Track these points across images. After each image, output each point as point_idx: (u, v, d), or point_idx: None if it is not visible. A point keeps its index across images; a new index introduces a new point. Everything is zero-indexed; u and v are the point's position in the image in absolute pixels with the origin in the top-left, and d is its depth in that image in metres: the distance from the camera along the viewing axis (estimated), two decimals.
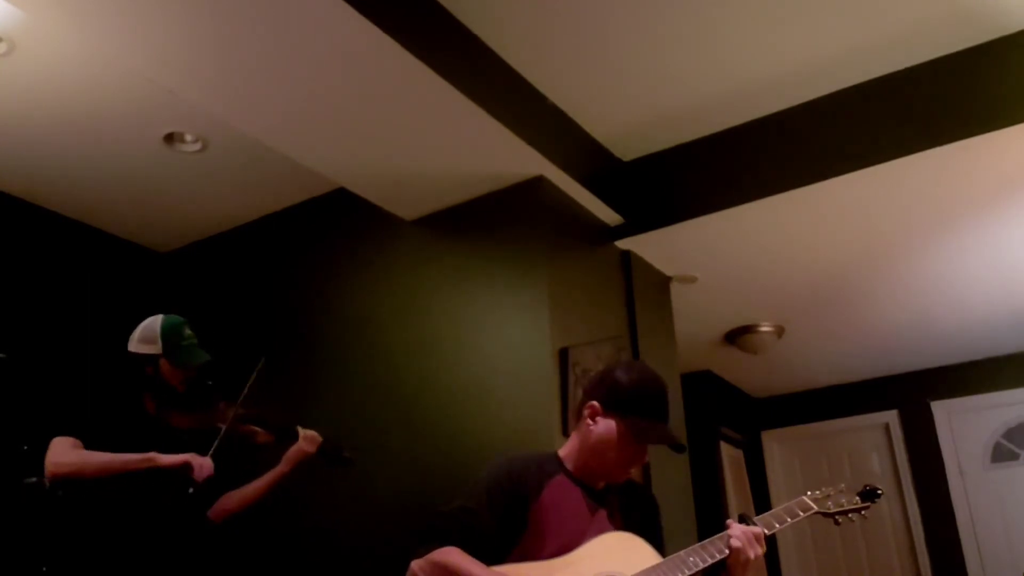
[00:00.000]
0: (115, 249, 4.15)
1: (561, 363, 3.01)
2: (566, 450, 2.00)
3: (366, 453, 3.13)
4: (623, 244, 3.68)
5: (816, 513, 1.95)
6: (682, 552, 1.80)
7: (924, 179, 3.26)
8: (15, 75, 3.01)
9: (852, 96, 3.25)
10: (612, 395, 1.92)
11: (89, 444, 2.37)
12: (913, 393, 5.70)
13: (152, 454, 2.34)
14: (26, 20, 2.70)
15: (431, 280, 3.39)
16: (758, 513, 1.93)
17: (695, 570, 1.76)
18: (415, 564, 1.79)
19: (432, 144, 3.04)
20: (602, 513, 1.91)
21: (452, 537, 1.77)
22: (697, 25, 2.92)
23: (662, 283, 4.00)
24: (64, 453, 2.34)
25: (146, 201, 3.88)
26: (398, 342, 3.39)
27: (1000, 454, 5.43)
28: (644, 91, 3.27)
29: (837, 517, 1.98)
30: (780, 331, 4.88)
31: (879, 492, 1.98)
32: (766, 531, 1.83)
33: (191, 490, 2.33)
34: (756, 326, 4.81)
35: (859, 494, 1.99)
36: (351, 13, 2.36)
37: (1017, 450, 5.39)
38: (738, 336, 4.89)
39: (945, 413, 5.61)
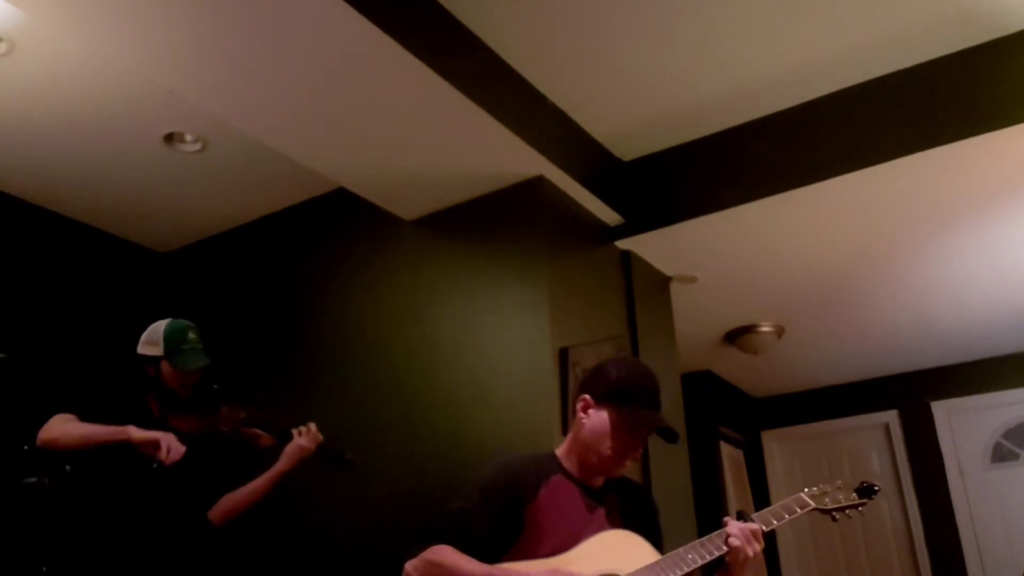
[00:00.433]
0: (115, 249, 4.15)
1: (561, 363, 3.01)
2: (563, 449, 2.01)
3: (366, 453, 3.13)
4: (623, 244, 3.68)
5: (813, 510, 1.96)
6: (680, 549, 1.80)
7: (924, 179, 3.26)
8: (15, 75, 3.01)
9: (852, 96, 3.25)
10: (602, 387, 1.94)
11: None
12: (913, 393, 5.70)
13: (128, 427, 2.33)
14: (26, 20, 2.70)
15: (431, 280, 3.39)
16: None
17: (693, 567, 1.77)
18: (409, 564, 1.80)
19: (432, 144, 3.04)
20: (600, 512, 1.91)
21: (448, 538, 1.79)
22: (697, 25, 2.92)
23: (662, 283, 4.00)
24: (51, 425, 2.38)
25: (146, 201, 3.88)
26: (398, 342, 3.39)
27: (1000, 454, 5.43)
28: (644, 91, 3.27)
29: (834, 513, 1.98)
30: (780, 331, 4.88)
31: (876, 488, 1.99)
32: (764, 528, 1.83)
33: (155, 465, 2.30)
34: (756, 326, 4.81)
35: (856, 491, 2.00)
36: (351, 13, 2.36)
37: (1017, 450, 5.39)
38: (738, 336, 4.89)
39: (945, 413, 5.61)
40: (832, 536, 5.76)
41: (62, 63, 2.96)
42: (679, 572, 1.76)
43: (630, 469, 2.03)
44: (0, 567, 2.85)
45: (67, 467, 2.42)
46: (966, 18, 2.92)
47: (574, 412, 2.00)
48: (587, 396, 1.95)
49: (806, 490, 1.99)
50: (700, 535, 1.85)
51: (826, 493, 1.99)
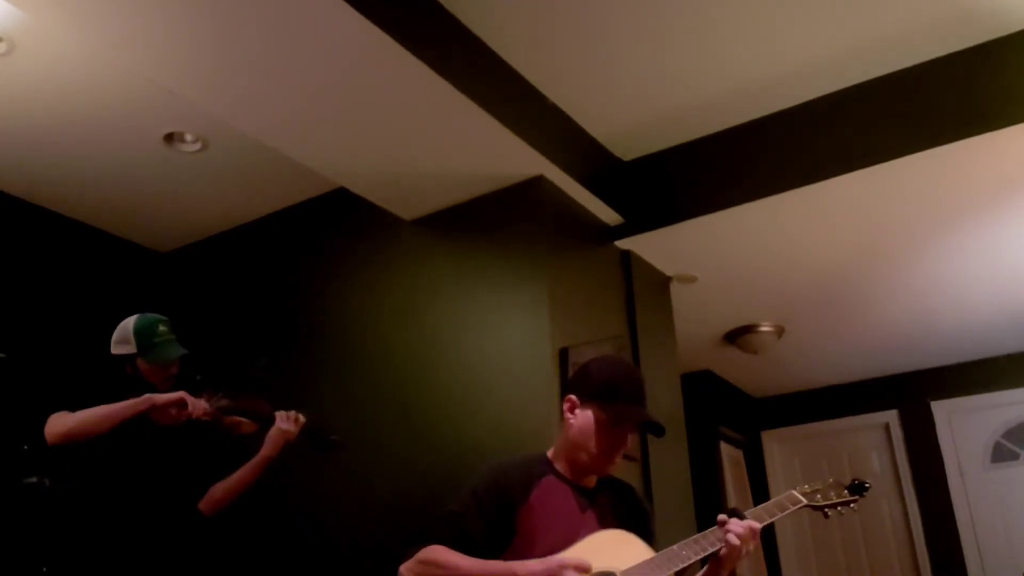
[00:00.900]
0: (115, 249, 4.15)
1: (561, 363, 3.01)
2: (553, 450, 2.02)
3: (366, 453, 3.14)
4: (623, 244, 3.68)
5: (805, 506, 1.97)
6: (675, 546, 1.81)
7: (924, 179, 3.26)
8: (15, 75, 3.01)
9: (852, 96, 3.25)
10: (586, 386, 1.96)
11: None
12: (913, 393, 5.70)
13: (148, 395, 2.39)
14: (26, 20, 2.70)
15: (431, 280, 3.39)
16: None
17: (688, 563, 1.78)
18: (404, 567, 1.83)
19: (432, 144, 3.04)
20: (593, 512, 1.92)
21: (442, 541, 1.81)
22: (697, 25, 2.93)
23: (662, 283, 4.00)
24: (59, 420, 2.37)
25: (146, 201, 3.88)
26: (398, 342, 3.39)
27: (1000, 454, 5.43)
28: (644, 91, 3.27)
29: (826, 510, 1.99)
30: (780, 331, 4.88)
31: (867, 486, 2.00)
32: (758, 524, 1.84)
33: (183, 419, 2.41)
34: (756, 326, 4.81)
35: (848, 488, 2.02)
36: (351, 13, 2.36)
37: (1017, 450, 5.39)
38: (738, 336, 4.89)
39: (945, 413, 5.61)
40: (832, 536, 5.76)
41: (62, 63, 2.96)
42: (674, 568, 1.77)
43: (624, 469, 2.03)
44: (0, 567, 2.85)
45: (67, 467, 2.42)
46: (966, 18, 2.92)
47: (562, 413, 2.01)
48: (572, 396, 1.97)
49: (798, 487, 2.00)
50: None
51: (818, 490, 2.01)
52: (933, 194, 3.39)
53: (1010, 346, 5.30)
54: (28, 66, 2.97)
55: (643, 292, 3.73)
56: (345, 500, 3.25)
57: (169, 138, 3.42)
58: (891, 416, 5.78)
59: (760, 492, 5.95)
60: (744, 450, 6.02)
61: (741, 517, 1.82)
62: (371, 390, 3.37)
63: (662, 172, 3.63)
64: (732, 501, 5.47)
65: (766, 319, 4.77)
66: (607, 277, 3.59)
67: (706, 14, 2.87)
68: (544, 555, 1.77)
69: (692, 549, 1.79)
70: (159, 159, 3.55)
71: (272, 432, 2.60)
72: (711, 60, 3.12)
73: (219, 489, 2.60)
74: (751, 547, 1.81)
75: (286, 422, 2.60)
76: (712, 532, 1.82)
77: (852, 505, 2.00)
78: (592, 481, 1.99)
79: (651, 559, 1.80)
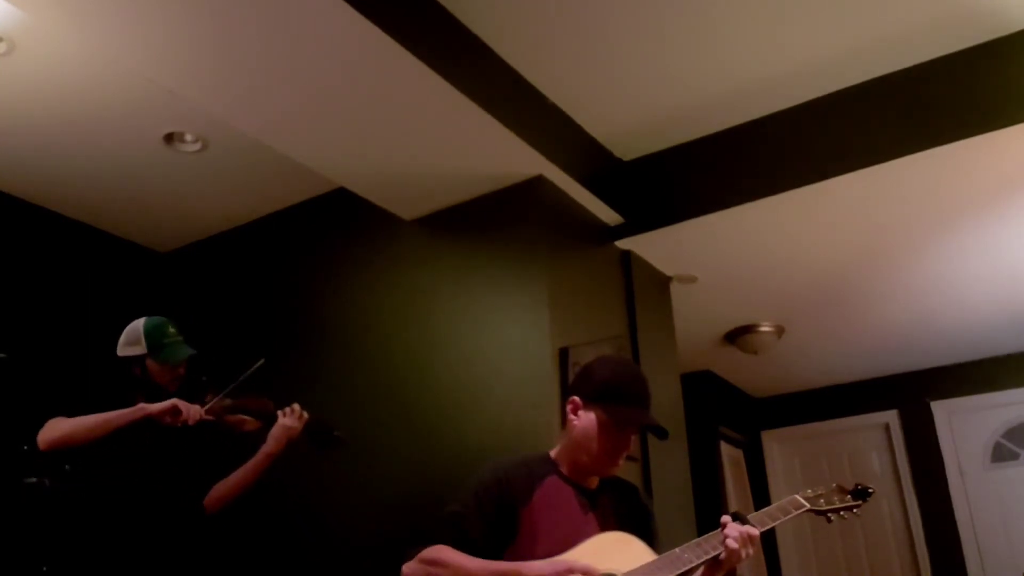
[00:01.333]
0: (115, 249, 4.15)
1: (561, 363, 3.01)
2: (556, 450, 2.01)
3: (366, 453, 3.14)
4: (623, 244, 3.68)
5: (808, 511, 1.97)
6: (677, 549, 1.81)
7: (924, 179, 3.26)
8: (15, 75, 3.01)
9: (852, 96, 3.25)
10: (590, 387, 1.95)
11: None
12: (913, 393, 5.70)
13: (141, 404, 2.39)
14: (26, 20, 2.70)
15: (431, 280, 3.39)
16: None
17: (689, 567, 1.77)
18: (407, 567, 1.81)
19: (432, 144, 3.04)
20: (596, 514, 1.92)
21: (443, 541, 1.80)
22: (697, 25, 2.93)
23: (662, 283, 4.00)
24: (53, 426, 2.39)
25: (146, 201, 3.88)
26: (398, 342, 3.39)
27: (1000, 454, 5.43)
28: (644, 91, 3.27)
29: (829, 515, 1.99)
30: (780, 331, 4.88)
31: (870, 491, 2.01)
32: (759, 528, 1.84)
33: (179, 424, 2.40)
34: (756, 326, 4.81)
35: (851, 493, 2.02)
36: (351, 13, 2.36)
37: (1017, 450, 5.39)
38: (738, 336, 4.89)
39: (945, 413, 5.61)
40: (832, 536, 5.76)
41: (62, 63, 2.96)
42: (676, 571, 1.76)
43: (625, 468, 2.03)
44: (0, 567, 2.85)
45: (67, 467, 2.43)
46: (966, 18, 2.92)
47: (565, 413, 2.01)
48: (576, 397, 1.96)
49: (801, 492, 2.00)
50: (699, 535, 1.85)
51: (821, 495, 2.01)
52: (933, 194, 3.39)
53: (1010, 346, 5.30)
54: (28, 66, 2.97)
55: (643, 292, 3.73)
56: (345, 500, 3.25)
57: (169, 138, 3.42)
58: (891, 416, 5.78)
59: (760, 492, 5.95)
60: (744, 450, 6.02)
61: (743, 521, 1.82)
62: (371, 390, 3.37)
63: (662, 172, 3.63)
64: (732, 501, 5.47)
65: (766, 319, 4.77)
66: (607, 277, 3.59)
67: (706, 14, 2.87)
68: (546, 556, 1.76)
69: (694, 552, 1.79)
70: (159, 159, 3.55)
71: (276, 428, 2.60)
72: (711, 60, 3.12)
73: (222, 486, 2.60)
74: (750, 552, 1.80)
75: (290, 417, 2.61)
76: (714, 535, 1.82)
77: (855, 510, 2.00)
78: (595, 482, 1.98)
79: (653, 562, 1.80)
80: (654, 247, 3.74)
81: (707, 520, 1.90)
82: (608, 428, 1.89)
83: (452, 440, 3.08)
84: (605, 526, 1.90)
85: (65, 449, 2.37)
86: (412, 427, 3.20)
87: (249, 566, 3.32)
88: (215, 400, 2.53)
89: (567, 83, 3.21)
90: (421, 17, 2.68)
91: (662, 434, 1.91)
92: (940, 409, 5.62)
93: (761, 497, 5.91)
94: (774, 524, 1.90)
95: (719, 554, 1.78)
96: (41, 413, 2.44)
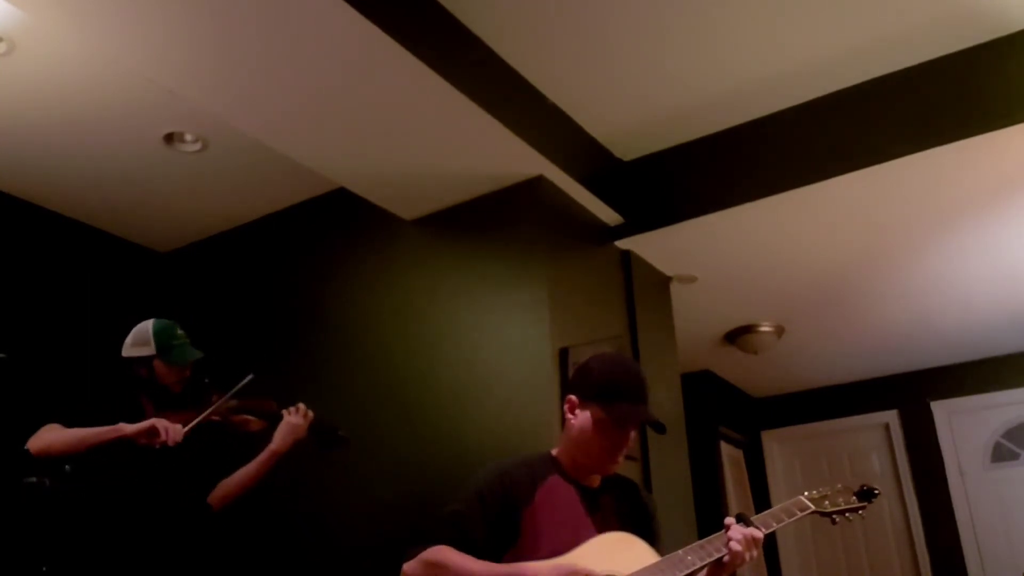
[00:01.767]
0: (115, 249, 4.15)
1: (561, 363, 3.01)
2: (557, 450, 2.00)
3: (366, 453, 3.14)
4: (623, 244, 3.68)
5: (813, 512, 1.96)
6: (680, 551, 1.80)
7: (924, 179, 3.26)
8: (15, 75, 3.01)
9: (852, 96, 3.25)
10: (586, 385, 1.94)
11: None
12: (913, 393, 5.70)
13: (119, 424, 2.34)
14: (26, 20, 2.70)
15: (431, 280, 3.39)
16: (757, 513, 1.93)
17: (692, 569, 1.77)
18: (407, 566, 1.80)
19: (432, 144, 3.04)
20: (598, 514, 1.91)
21: (445, 541, 1.79)
22: (697, 25, 2.92)
23: (662, 283, 4.00)
24: (40, 435, 2.39)
25: (146, 201, 3.88)
26: (398, 342, 3.39)
27: (1000, 454, 5.43)
28: (644, 91, 3.27)
29: (834, 516, 1.98)
30: (780, 331, 4.88)
31: (876, 492, 1.99)
32: (763, 530, 1.83)
33: (157, 446, 2.32)
34: (756, 326, 4.81)
35: (856, 494, 2.00)
36: (351, 13, 2.36)
37: (1017, 450, 5.39)
38: (738, 336, 4.89)
39: (945, 413, 5.61)
40: (832, 536, 5.76)
41: (62, 63, 2.96)
42: (679, 574, 1.76)
43: (625, 468, 2.02)
44: (0, 567, 2.85)
45: (67, 467, 2.42)
46: (966, 18, 2.92)
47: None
48: (573, 396, 1.95)
49: (806, 493, 1.99)
50: (700, 535, 1.85)
51: (826, 496, 1.99)
52: (933, 194, 3.39)
53: (1010, 346, 5.30)
54: (28, 66, 2.96)
55: (643, 292, 3.73)
56: (345, 499, 3.25)
57: (169, 138, 3.41)
58: (891, 416, 5.78)
59: (760, 492, 5.95)
60: (744, 450, 6.02)
61: (747, 523, 1.82)
62: (371, 390, 3.37)
63: (662, 172, 3.63)
64: (732, 501, 5.47)
65: (766, 319, 4.77)
66: (607, 277, 3.59)
67: (706, 14, 2.87)
68: (548, 556, 1.76)
69: (697, 554, 1.78)
70: (159, 159, 3.55)
71: (282, 426, 2.61)
72: (711, 60, 3.12)
73: (227, 483, 2.61)
74: (754, 554, 1.79)
75: (295, 416, 2.62)
76: (718, 537, 1.81)
77: (861, 512, 1.99)
78: (596, 480, 1.97)
79: (655, 564, 1.79)
80: (654, 247, 3.74)
81: (707, 520, 1.90)
82: (606, 426, 1.88)
83: (452, 440, 3.08)
84: (607, 526, 1.89)
85: (51, 457, 2.37)
86: (412, 427, 3.20)
87: (250, 565, 3.32)
88: (220, 401, 2.53)
89: (567, 83, 3.21)
90: (421, 17, 2.68)
91: (660, 429, 1.89)
92: (940, 409, 5.62)
93: (761, 497, 5.91)
94: (779, 526, 1.89)
95: (723, 556, 1.78)
96: (40, 414, 2.44)
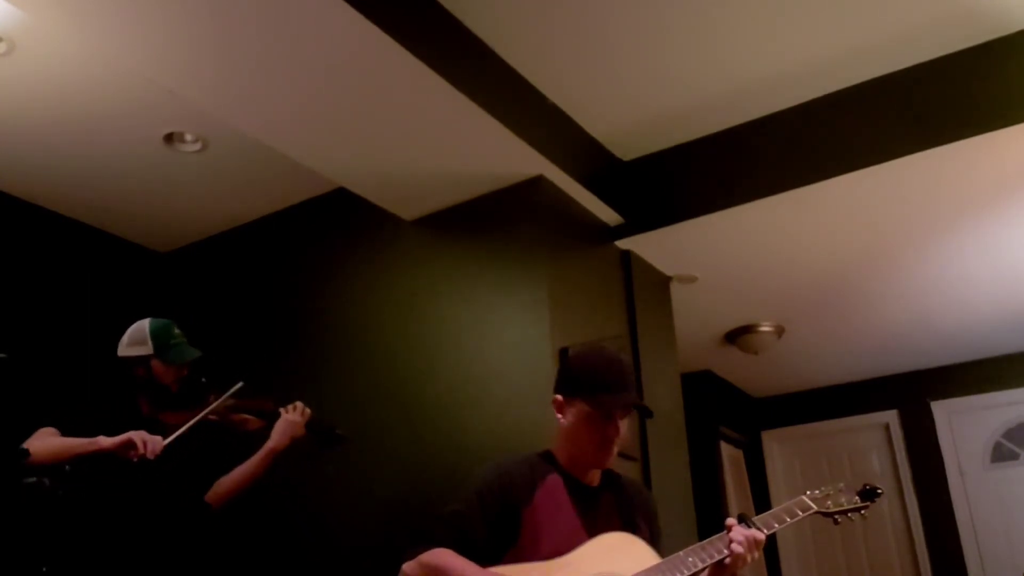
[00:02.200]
0: (115, 249, 4.15)
1: (561, 363, 3.01)
2: (555, 447, 2.00)
3: (366, 452, 3.14)
4: (623, 244, 3.68)
5: (816, 512, 1.95)
6: (681, 552, 1.80)
7: (924, 179, 3.26)
8: (15, 75, 3.01)
9: (852, 96, 3.25)
10: (568, 381, 1.96)
11: None
12: (913, 393, 5.70)
13: (98, 437, 2.31)
14: (26, 20, 2.69)
15: (431, 280, 3.39)
16: (757, 513, 1.93)
17: (694, 570, 1.76)
18: (406, 567, 1.79)
19: (432, 144, 3.04)
20: (598, 513, 1.91)
21: (444, 541, 1.78)
22: (697, 25, 2.92)
23: (662, 283, 4.00)
24: (30, 440, 2.37)
25: (146, 201, 3.88)
26: (398, 342, 3.39)
27: (1000, 454, 5.43)
28: (644, 91, 3.27)
29: (836, 516, 1.97)
30: (780, 331, 4.88)
31: (879, 491, 1.98)
32: (765, 531, 1.83)
33: (135, 460, 2.27)
34: (756, 326, 4.81)
35: (859, 493, 1.99)
36: (351, 13, 2.36)
37: (1017, 450, 5.39)
38: (738, 336, 4.89)
39: (945, 413, 5.61)
40: (832, 536, 5.75)
41: (62, 63, 2.96)
42: (680, 575, 1.75)
43: (625, 468, 2.02)
44: (0, 567, 2.84)
45: (67, 467, 2.42)
46: (966, 18, 2.92)
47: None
48: (558, 396, 1.96)
49: (808, 493, 1.98)
50: (700, 535, 1.85)
51: (828, 496, 1.98)
52: (933, 194, 3.39)
53: (1010, 346, 5.30)
54: (28, 66, 2.96)
55: (643, 292, 3.73)
56: (345, 499, 3.25)
57: (169, 138, 3.41)
58: (891, 416, 5.78)
59: (760, 492, 5.95)
60: (744, 450, 6.02)
61: (749, 523, 1.81)
62: (371, 390, 3.37)
63: (662, 172, 3.63)
64: (732, 501, 5.47)
65: (766, 319, 4.77)
66: (607, 277, 3.59)
67: (706, 14, 2.87)
68: (548, 556, 1.76)
69: (699, 556, 1.78)
70: (159, 159, 3.54)
71: (279, 423, 2.61)
72: (711, 60, 3.12)
73: (226, 481, 2.60)
74: (756, 556, 1.79)
75: (293, 413, 2.62)
76: (719, 538, 1.81)
77: (863, 512, 1.98)
78: (596, 478, 1.97)
79: (656, 565, 1.79)
80: (654, 247, 3.74)
81: (707, 520, 1.89)
82: (593, 419, 1.88)
83: (452, 440, 3.08)
84: (608, 525, 1.89)
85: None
86: (412, 427, 3.20)
87: (249, 565, 3.32)
88: (218, 401, 2.53)
89: (567, 83, 3.21)
90: (421, 17, 2.68)
91: (646, 413, 1.90)
92: (940, 409, 5.62)
93: (761, 497, 5.90)
94: (781, 527, 1.88)
95: (724, 558, 1.78)
96: (41, 413, 2.44)
